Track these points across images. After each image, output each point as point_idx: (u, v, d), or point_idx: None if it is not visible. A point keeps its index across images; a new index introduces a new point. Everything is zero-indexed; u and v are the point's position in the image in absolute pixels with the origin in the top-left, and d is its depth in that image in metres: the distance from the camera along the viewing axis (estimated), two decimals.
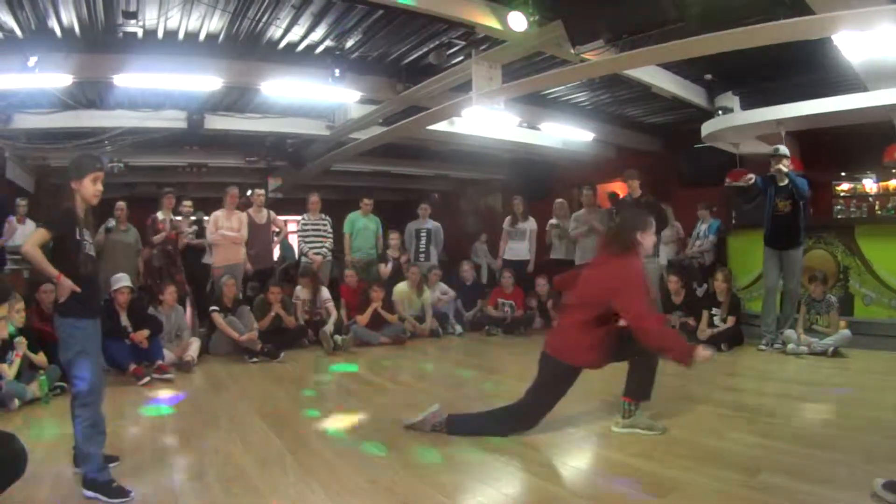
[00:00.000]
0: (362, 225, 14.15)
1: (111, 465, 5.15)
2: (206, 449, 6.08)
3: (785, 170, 10.62)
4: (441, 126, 13.91)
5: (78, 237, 5.21)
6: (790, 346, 10.13)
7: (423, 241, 15.27)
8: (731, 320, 10.91)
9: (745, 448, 5.52)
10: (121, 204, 12.26)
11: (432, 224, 15.55)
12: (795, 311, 10.71)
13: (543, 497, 4.72)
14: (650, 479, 4.84)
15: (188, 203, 12.85)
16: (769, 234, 10.86)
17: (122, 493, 4.86)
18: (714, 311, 11.04)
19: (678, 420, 6.51)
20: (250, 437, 6.27)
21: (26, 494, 4.70)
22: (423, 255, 15.17)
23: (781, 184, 10.64)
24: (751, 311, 11.71)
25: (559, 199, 14.77)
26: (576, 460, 5.60)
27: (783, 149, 10.76)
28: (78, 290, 5.04)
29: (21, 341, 8.18)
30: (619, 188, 17.43)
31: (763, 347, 10.58)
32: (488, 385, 8.95)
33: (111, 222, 11.89)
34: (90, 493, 4.85)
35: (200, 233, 12.97)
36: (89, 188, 5.36)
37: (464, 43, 10.94)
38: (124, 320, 9.79)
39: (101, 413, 5.21)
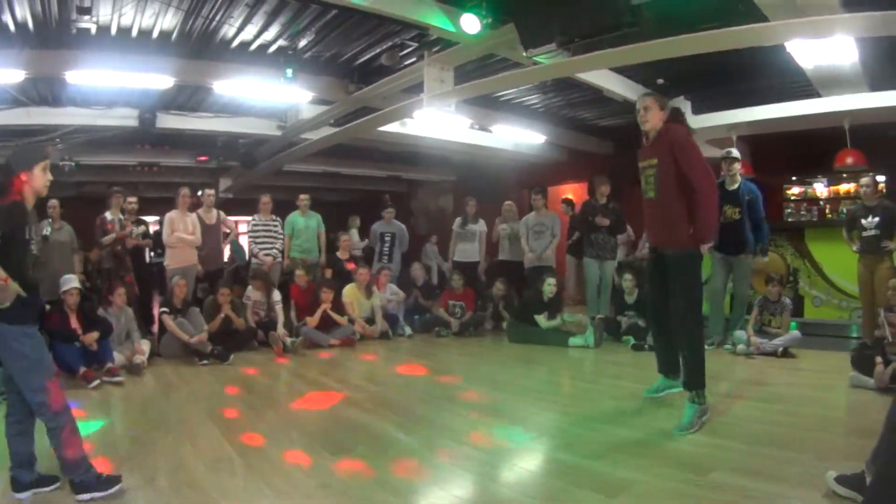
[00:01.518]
0: (302, 224, 14.00)
1: (52, 486, 5.00)
2: (156, 452, 6.01)
3: (737, 175, 10.70)
4: (392, 127, 13.96)
5: (27, 236, 4.88)
6: (739, 347, 10.22)
7: (388, 243, 15.28)
8: None
9: (696, 447, 5.57)
10: (54, 202, 11.99)
11: (397, 226, 15.56)
12: (746, 313, 10.83)
13: (493, 499, 4.75)
14: (600, 480, 4.86)
15: (133, 200, 12.59)
16: (717, 240, 10.57)
17: (113, 480, 4.94)
18: None
19: (627, 420, 6.59)
20: (200, 440, 6.23)
21: None
22: (386, 258, 15.20)
23: (730, 188, 10.65)
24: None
25: (508, 202, 14.77)
26: (525, 462, 5.60)
27: (735, 152, 10.82)
28: (23, 293, 4.75)
29: None
30: (572, 192, 17.57)
31: (708, 347, 10.15)
32: (436, 387, 8.94)
33: (47, 228, 11.70)
34: (85, 496, 4.83)
35: (146, 233, 12.83)
36: (40, 178, 5.07)
37: (417, 44, 10.98)
38: (74, 322, 9.66)
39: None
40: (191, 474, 5.38)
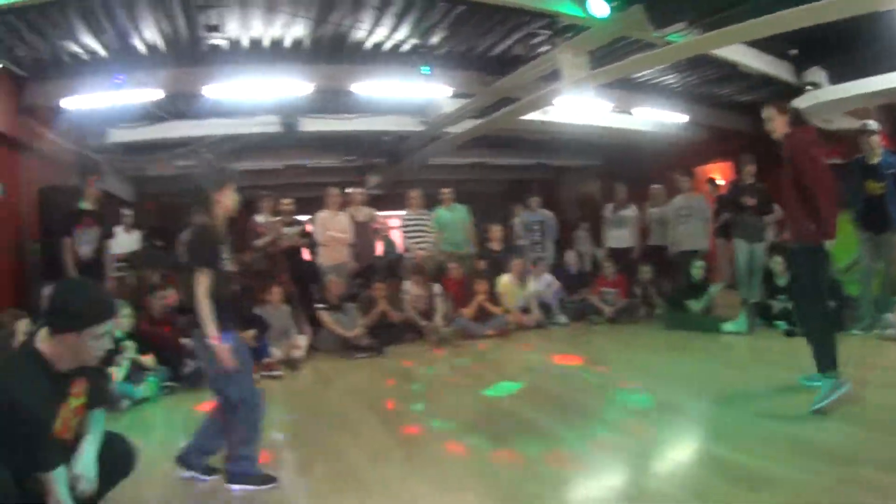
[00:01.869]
0: (448, 218, 14.09)
1: (270, 485, 5.22)
2: (314, 444, 6.29)
3: (877, 148, 10.07)
4: (534, 116, 13.78)
5: (220, 265, 5.17)
6: (889, 332, 9.66)
7: (537, 232, 15.14)
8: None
9: (846, 440, 5.37)
10: None
11: (545, 215, 15.42)
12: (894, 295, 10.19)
13: (642, 490, 4.74)
14: (747, 473, 4.79)
15: (287, 202, 12.99)
16: (861, 217, 10.24)
17: (269, 479, 5.24)
18: None
19: (778, 410, 6.42)
20: (358, 432, 6.42)
21: (135, 492, 4.88)
22: (538, 247, 15.06)
23: (872, 163, 10.06)
24: (852, 295, 11.13)
25: (656, 186, 14.55)
26: (676, 452, 5.60)
27: (872, 124, 10.27)
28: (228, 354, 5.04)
29: (129, 345, 8.55)
30: (719, 172, 17.26)
31: (856, 332, 10.07)
32: (590, 376, 8.86)
33: None
34: (237, 487, 5.17)
35: (303, 233, 13.13)
36: (230, 198, 5.36)
37: (548, 32, 10.90)
38: None
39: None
40: (349, 464, 5.60)
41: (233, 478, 5.21)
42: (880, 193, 10.03)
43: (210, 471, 5.37)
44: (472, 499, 4.74)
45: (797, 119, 7.08)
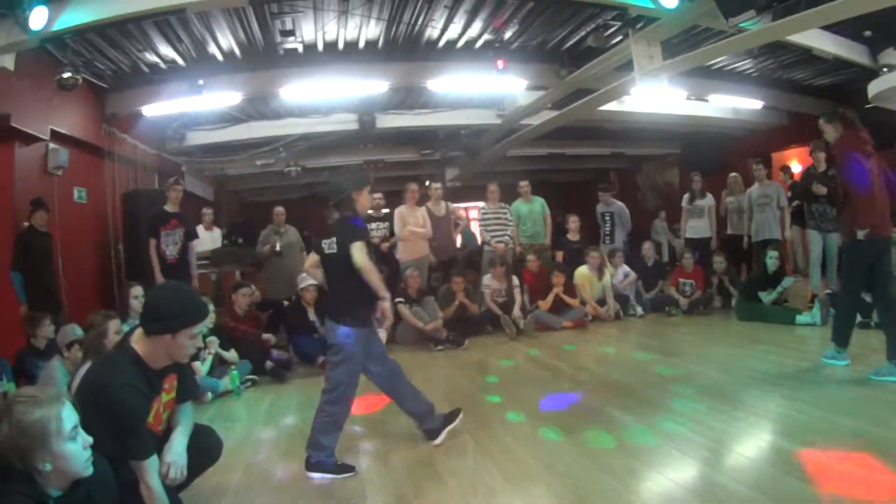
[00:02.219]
0: (526, 210, 14.07)
1: (347, 474, 5.44)
2: (390, 433, 6.46)
3: None
4: (611, 106, 13.83)
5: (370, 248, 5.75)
6: None
7: (608, 224, 15.13)
8: None
9: None
10: (279, 209, 12.90)
11: (616, 206, 15.33)
12: None
13: (707, 484, 4.76)
14: (811, 470, 4.74)
15: (378, 196, 13.04)
16: None
17: (347, 468, 5.48)
18: None
19: (846, 406, 6.37)
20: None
21: (220, 479, 5.17)
22: (608, 238, 15.06)
23: None
24: None
25: (733, 174, 14.35)
26: (743, 447, 5.56)
27: None
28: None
29: (213, 340, 8.88)
30: (797, 157, 17.09)
31: None
32: (664, 368, 8.77)
33: (277, 244, 12.53)
34: (316, 475, 5.43)
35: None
36: (367, 198, 6.00)
37: (620, 23, 10.99)
38: (312, 316, 10.39)
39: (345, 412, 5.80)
40: (423, 454, 5.76)
41: (312, 466, 5.45)
42: None
43: (345, 468, 5.54)
44: (543, 492, 4.82)
45: (846, 123, 7.56)
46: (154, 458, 3.98)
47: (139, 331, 4.17)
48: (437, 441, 5.89)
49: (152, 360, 4.12)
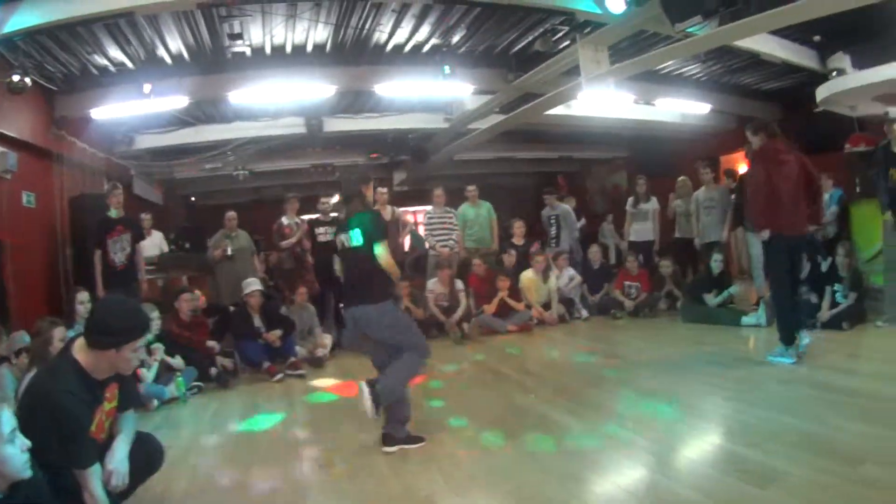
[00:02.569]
0: (473, 214, 14.10)
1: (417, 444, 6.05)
2: (335, 438, 6.52)
3: None
4: (558, 110, 13.84)
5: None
6: None
7: (554, 227, 15.19)
8: (852, 297, 10.43)
9: (852, 437, 5.34)
10: (231, 214, 12.79)
11: (561, 209, 15.42)
12: None
13: (653, 488, 4.78)
14: (753, 469, 4.80)
15: (326, 200, 13.10)
16: (887, 205, 10.19)
17: (419, 439, 6.09)
18: (836, 287, 10.59)
19: (789, 406, 6.44)
20: (377, 427, 6.44)
21: (165, 486, 5.16)
22: (554, 241, 15.12)
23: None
24: (875, 285, 11.22)
25: (682, 177, 14.49)
26: (687, 449, 5.64)
27: (895, 112, 10.26)
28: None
29: (158, 347, 8.80)
30: (745, 161, 17.22)
31: (880, 325, 10.06)
32: (608, 371, 8.90)
33: (229, 248, 12.44)
34: (391, 448, 5.95)
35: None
36: (370, 191, 6.61)
37: (567, 28, 11.00)
38: (257, 321, 10.32)
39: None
40: (366, 459, 5.78)
41: (386, 440, 6.00)
42: None
43: (414, 439, 6.12)
44: (483, 496, 4.89)
45: (770, 134, 8.41)
46: (97, 466, 3.98)
47: (81, 340, 4.17)
48: (389, 450, 5.94)
49: (95, 372, 4.13)
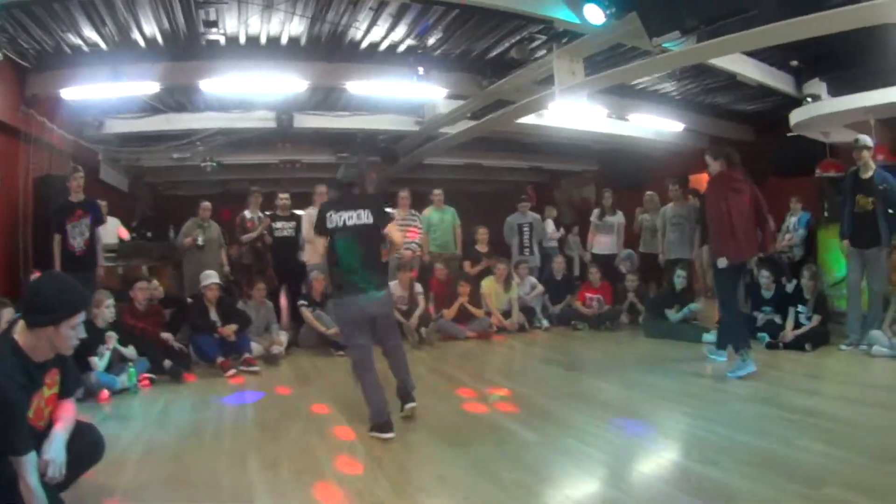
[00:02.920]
0: (437, 219, 14.00)
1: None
2: (283, 439, 6.34)
3: (869, 162, 10.10)
4: (530, 119, 13.92)
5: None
6: (875, 348, 9.56)
7: (526, 235, 15.17)
8: (816, 319, 10.48)
9: (812, 457, 5.33)
10: (206, 204, 12.73)
11: (532, 217, 15.45)
12: (883, 311, 10.04)
13: (602, 500, 4.76)
14: (710, 487, 4.75)
15: (284, 196, 13.07)
16: (849, 232, 10.30)
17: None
18: (801, 308, 10.63)
19: (749, 424, 6.43)
20: (327, 428, 6.42)
21: (109, 476, 5.06)
22: (527, 250, 15.10)
23: (864, 177, 10.11)
24: (840, 309, 11.32)
25: (649, 192, 14.49)
26: (642, 464, 5.57)
27: (864, 139, 10.23)
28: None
29: (111, 335, 8.63)
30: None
31: (844, 348, 10.08)
32: (566, 383, 8.82)
33: (199, 238, 12.33)
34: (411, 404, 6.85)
35: (297, 228, 12.96)
36: (374, 177, 7.29)
37: (545, 37, 11.00)
38: (213, 315, 10.21)
39: None
40: (313, 461, 5.65)
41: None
42: (870, 209, 10.04)
43: None
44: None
45: (729, 162, 8.77)
46: (33, 455, 3.83)
47: (21, 322, 4.06)
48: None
49: (34, 353, 4.01)
